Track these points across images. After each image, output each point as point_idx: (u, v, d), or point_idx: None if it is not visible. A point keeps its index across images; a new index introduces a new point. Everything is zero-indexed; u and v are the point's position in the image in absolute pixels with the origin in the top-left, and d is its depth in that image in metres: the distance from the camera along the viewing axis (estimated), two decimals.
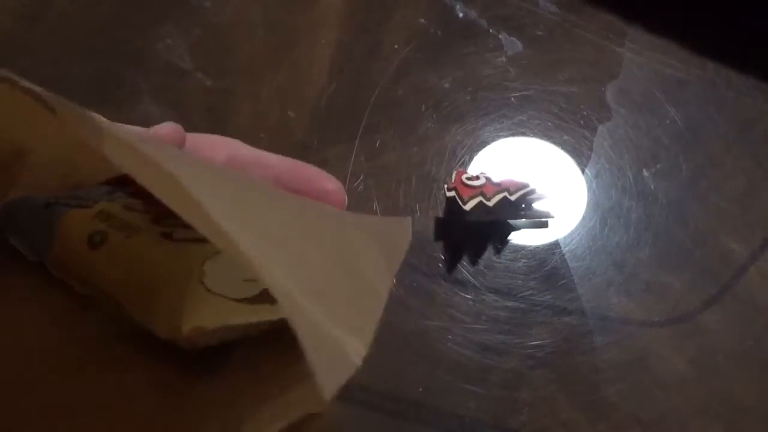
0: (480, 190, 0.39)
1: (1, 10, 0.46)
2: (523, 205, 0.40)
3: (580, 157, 0.43)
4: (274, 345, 0.24)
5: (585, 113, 0.44)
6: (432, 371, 0.40)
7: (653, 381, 0.40)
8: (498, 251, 0.42)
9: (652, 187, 0.43)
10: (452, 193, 0.39)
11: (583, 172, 0.43)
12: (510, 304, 0.41)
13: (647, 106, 0.44)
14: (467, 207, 0.38)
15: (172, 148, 0.25)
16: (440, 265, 0.41)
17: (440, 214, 0.42)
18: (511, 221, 0.42)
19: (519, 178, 0.41)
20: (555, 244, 0.42)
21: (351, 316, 0.21)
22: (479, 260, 0.41)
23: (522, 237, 0.42)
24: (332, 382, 0.19)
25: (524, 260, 0.41)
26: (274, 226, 0.20)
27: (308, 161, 0.43)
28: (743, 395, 0.39)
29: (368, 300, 0.22)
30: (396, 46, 0.45)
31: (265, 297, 0.25)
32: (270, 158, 0.27)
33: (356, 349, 0.21)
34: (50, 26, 0.46)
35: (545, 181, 0.42)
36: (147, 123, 0.44)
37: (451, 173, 0.42)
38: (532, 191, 0.40)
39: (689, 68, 0.45)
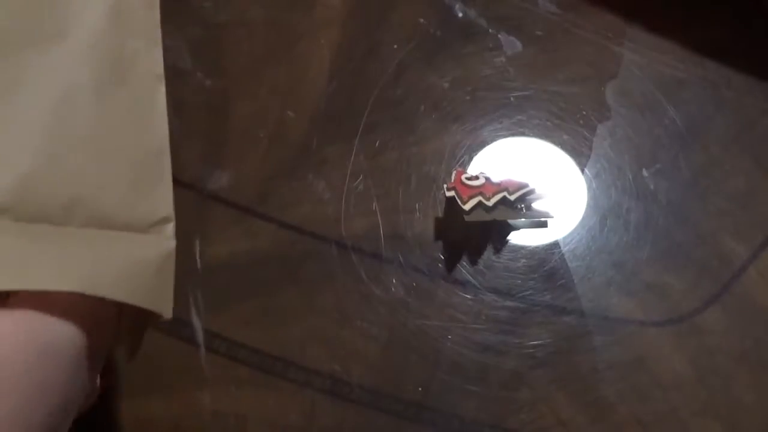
0: (479, 190, 0.39)
1: None
2: (522, 205, 0.40)
3: (580, 157, 0.43)
4: None
5: (584, 113, 0.44)
6: (432, 371, 0.40)
7: (653, 381, 0.40)
8: (497, 251, 0.42)
9: (652, 187, 0.42)
10: (452, 193, 0.39)
11: (582, 171, 0.43)
12: (509, 303, 0.41)
13: (647, 105, 0.44)
14: (467, 207, 0.38)
15: None
16: (440, 265, 0.41)
17: (440, 214, 0.42)
18: (511, 221, 0.42)
19: (518, 177, 0.41)
20: (554, 244, 0.42)
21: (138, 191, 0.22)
22: (479, 260, 0.41)
23: (521, 237, 0.42)
24: (166, 299, 0.22)
25: (524, 260, 0.41)
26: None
27: (308, 161, 0.43)
28: (743, 395, 0.39)
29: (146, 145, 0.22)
30: (395, 46, 0.45)
31: None
32: None
33: (165, 235, 0.22)
34: None
35: (545, 181, 0.42)
36: None
37: (451, 173, 0.42)
38: (532, 191, 0.40)
39: (689, 68, 0.45)
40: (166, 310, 0.25)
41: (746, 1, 0.45)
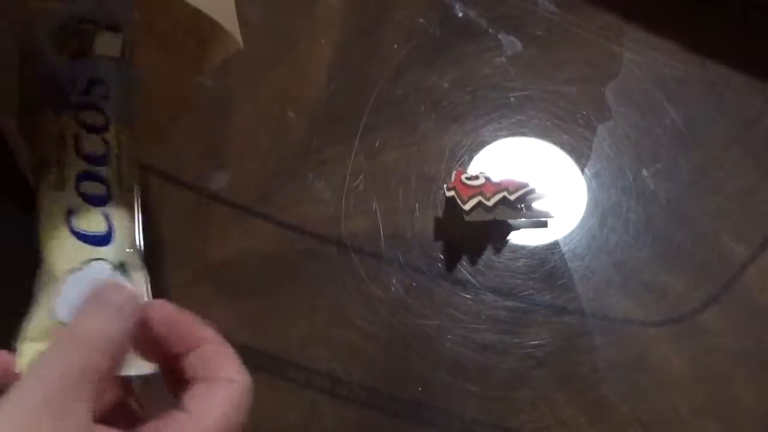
0: (479, 190, 0.39)
1: None
2: (522, 205, 0.40)
3: (580, 157, 0.43)
4: None
5: (584, 113, 0.44)
6: (432, 371, 0.40)
7: (653, 381, 0.40)
8: (497, 251, 0.42)
9: (652, 187, 0.42)
10: (452, 193, 0.39)
11: (582, 171, 0.43)
12: (509, 303, 0.41)
13: (647, 105, 0.44)
14: (467, 207, 0.38)
15: None
16: (440, 264, 0.41)
17: (440, 214, 0.42)
18: (511, 221, 0.42)
19: (518, 177, 0.41)
20: (554, 244, 0.42)
21: None
22: (479, 260, 0.41)
23: (521, 237, 0.42)
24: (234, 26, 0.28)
25: (524, 260, 0.41)
26: None
27: (308, 161, 0.43)
28: (743, 395, 0.39)
29: None
30: (395, 46, 0.45)
31: None
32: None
33: None
34: None
35: (545, 181, 0.42)
36: (146, 122, 0.44)
37: (451, 173, 0.42)
38: (532, 191, 0.40)
39: (689, 68, 0.45)
40: (236, 31, 0.28)
41: (746, 1, 0.45)
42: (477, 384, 0.39)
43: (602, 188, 0.43)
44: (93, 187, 0.29)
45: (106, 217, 0.29)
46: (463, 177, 0.39)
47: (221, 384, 0.27)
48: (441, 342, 0.40)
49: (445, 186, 0.40)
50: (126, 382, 0.28)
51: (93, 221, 0.29)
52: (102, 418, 0.23)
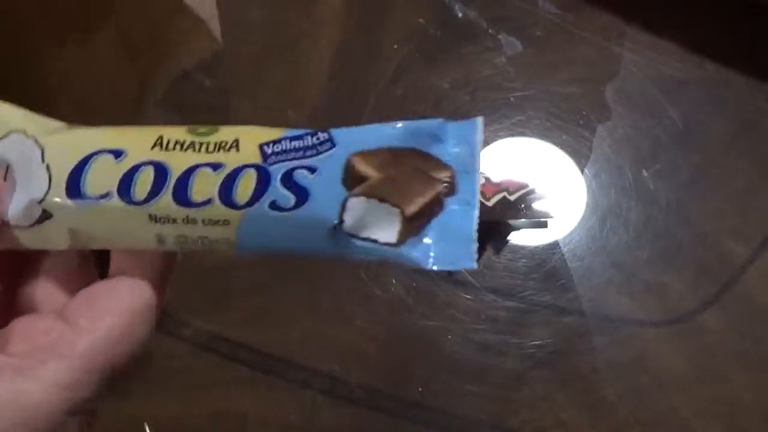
0: (479, 190, 0.39)
1: None
2: (522, 205, 0.40)
3: (580, 157, 0.43)
4: None
5: (584, 113, 0.44)
6: (432, 371, 0.40)
7: (653, 381, 0.40)
8: (498, 251, 0.42)
9: (652, 187, 0.42)
10: None
11: (582, 172, 0.43)
12: (509, 304, 0.41)
13: (646, 106, 0.44)
14: None
15: None
16: None
17: None
18: (511, 221, 0.42)
19: (518, 178, 0.41)
20: (554, 244, 0.42)
21: None
22: (479, 260, 0.41)
23: (521, 237, 0.42)
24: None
25: (524, 260, 0.41)
26: None
27: None
28: (743, 395, 0.39)
29: None
30: (395, 46, 0.45)
31: None
32: None
33: None
34: None
35: (544, 181, 0.42)
36: (147, 123, 0.44)
37: None
38: (532, 191, 0.40)
39: (689, 68, 0.45)
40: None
41: (745, 2, 0.45)
42: (477, 384, 0.39)
43: (602, 188, 0.43)
44: (143, 185, 0.21)
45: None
46: None
47: (121, 284, 0.21)
48: (441, 342, 0.40)
49: None
50: None
51: (106, 179, 0.21)
52: None
